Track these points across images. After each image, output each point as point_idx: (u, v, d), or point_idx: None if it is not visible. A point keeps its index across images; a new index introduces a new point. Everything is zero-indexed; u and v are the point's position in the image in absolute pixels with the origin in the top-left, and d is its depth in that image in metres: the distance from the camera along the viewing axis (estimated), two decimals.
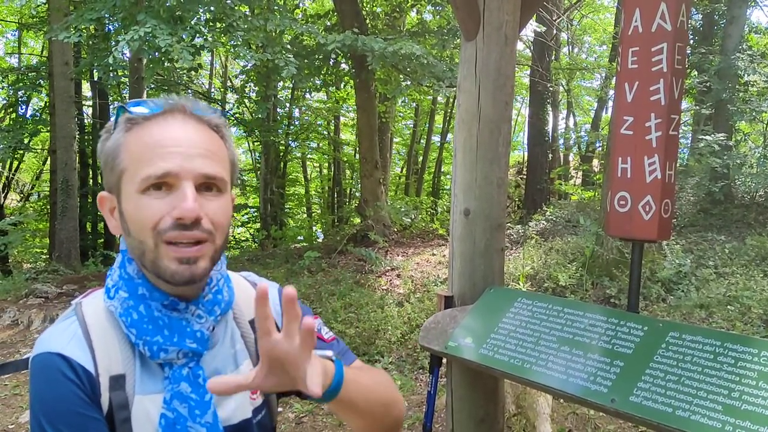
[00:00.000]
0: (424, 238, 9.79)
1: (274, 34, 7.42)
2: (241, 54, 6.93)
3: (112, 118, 1.04)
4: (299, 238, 13.65)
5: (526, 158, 15.23)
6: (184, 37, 5.85)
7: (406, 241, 9.54)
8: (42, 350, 0.96)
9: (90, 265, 11.09)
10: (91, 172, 18.39)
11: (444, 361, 2.63)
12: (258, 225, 18.68)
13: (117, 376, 0.98)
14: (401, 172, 22.91)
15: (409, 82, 9.85)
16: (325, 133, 19.89)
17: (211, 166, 0.99)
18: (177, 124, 1.00)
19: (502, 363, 2.17)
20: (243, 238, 22.33)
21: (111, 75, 9.37)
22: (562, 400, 4.34)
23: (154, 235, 0.96)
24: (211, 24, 6.85)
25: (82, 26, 6.62)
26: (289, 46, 8.13)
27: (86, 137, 17.10)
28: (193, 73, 22.22)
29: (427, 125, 19.98)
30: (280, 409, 4.42)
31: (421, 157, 20.66)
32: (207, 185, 0.99)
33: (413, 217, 10.68)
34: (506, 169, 2.65)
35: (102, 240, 15.80)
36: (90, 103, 18.47)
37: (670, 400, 1.72)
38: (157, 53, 6.25)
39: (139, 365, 1.01)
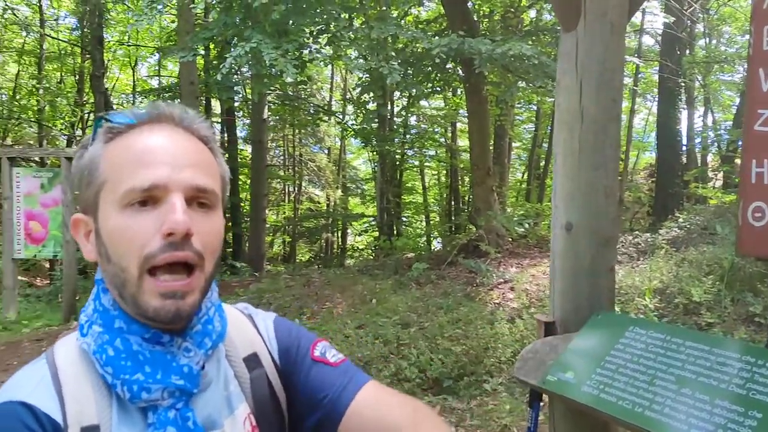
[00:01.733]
0: (542, 247, 9.28)
1: (378, 42, 7.35)
2: (345, 63, 6.90)
3: (93, 130, 0.90)
4: (409, 249, 13.51)
5: (656, 160, 14.22)
6: (289, 50, 5.90)
7: (522, 251, 9.10)
8: (4, 399, 0.82)
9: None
10: None
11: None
12: (376, 233, 18.85)
13: (89, 427, 0.83)
14: (522, 177, 22.25)
15: (523, 84, 9.45)
16: (442, 140, 19.71)
17: (203, 178, 0.86)
18: (164, 134, 0.87)
19: (608, 404, 1.85)
20: (361, 246, 22.67)
21: (231, 92, 9.71)
22: None
23: (139, 262, 0.82)
24: (315, 36, 6.90)
25: (198, 46, 6.87)
26: (394, 54, 8.03)
27: None
28: (314, 87, 22.97)
29: (549, 128, 19.24)
30: None
31: (543, 162, 19.92)
32: (198, 200, 0.85)
33: (529, 225, 10.20)
34: (615, 176, 2.30)
35: (230, 250, 16.52)
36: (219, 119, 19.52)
37: None
38: (261, 67, 6.36)
39: (117, 413, 0.85)
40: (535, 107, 17.77)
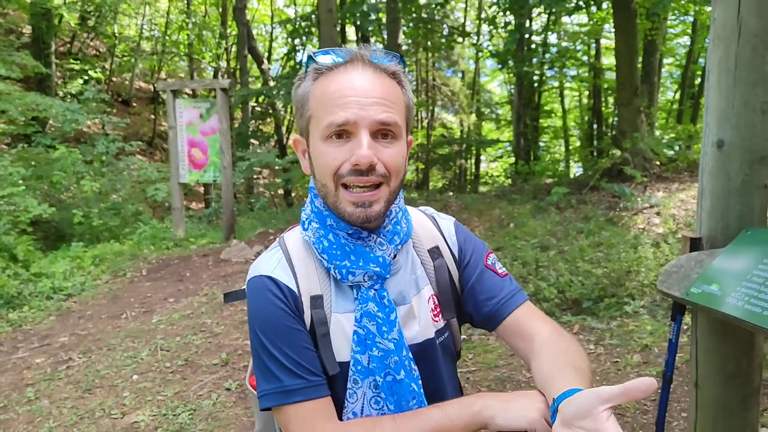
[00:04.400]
0: (693, 171, 8.81)
1: None
2: None
3: (304, 67, 1.11)
4: (548, 174, 13.19)
5: None
6: None
7: (671, 175, 8.69)
8: (255, 274, 1.12)
9: None
10: None
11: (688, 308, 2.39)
12: (512, 160, 18.61)
13: (316, 297, 1.12)
14: (674, 97, 20.68)
15: None
16: (585, 58, 18.69)
17: (386, 113, 1.05)
18: (357, 74, 1.07)
19: (754, 315, 1.90)
20: (496, 173, 22.46)
21: (368, 19, 9.86)
22: None
23: (334, 180, 1.07)
24: None
25: None
26: None
27: None
28: (448, 8, 22.51)
29: (707, 41, 17.53)
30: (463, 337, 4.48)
31: (698, 80, 18.40)
32: (383, 132, 1.07)
33: (680, 147, 9.67)
34: None
35: None
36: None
37: None
38: None
39: (334, 287, 1.14)
40: (691, 18, 16.27)
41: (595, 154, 15.93)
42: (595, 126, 19.43)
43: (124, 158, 12.34)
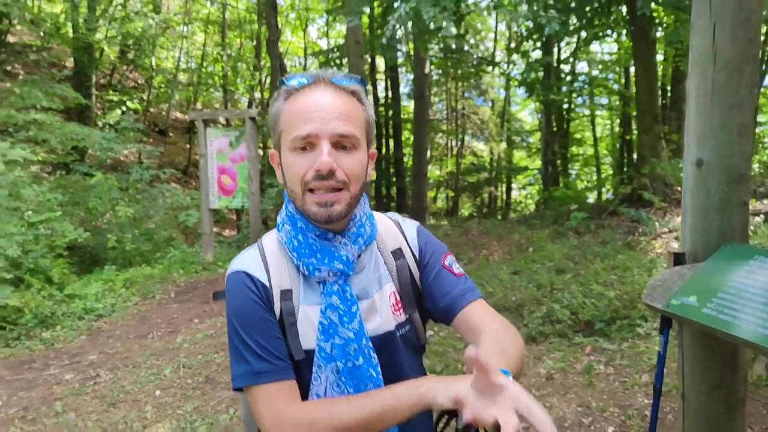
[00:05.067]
0: None
1: None
2: (503, 14, 6.96)
3: (278, 90, 1.29)
4: (570, 200, 13.16)
5: None
6: (446, 6, 6.13)
7: None
8: (233, 270, 1.29)
9: None
10: (384, 141, 20.13)
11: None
12: (539, 187, 18.61)
13: (286, 290, 1.27)
14: None
15: None
16: (616, 87, 18.66)
17: (345, 126, 1.21)
18: (319, 93, 1.23)
19: (725, 324, 2.00)
20: (525, 201, 22.39)
21: (394, 51, 10.13)
22: None
23: (301, 186, 1.22)
24: None
25: (362, 9, 7.32)
26: (552, 1, 7.91)
27: (379, 109, 18.64)
28: (477, 38, 22.79)
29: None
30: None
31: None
32: (342, 143, 1.22)
33: None
34: (751, 116, 2.35)
35: (393, 204, 17.25)
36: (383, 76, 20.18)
37: None
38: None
39: (303, 282, 1.28)
40: None
41: (627, 180, 15.84)
42: (625, 153, 19.32)
43: (158, 185, 12.75)
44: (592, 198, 17.67)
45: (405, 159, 19.61)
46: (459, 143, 25.60)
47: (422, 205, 15.06)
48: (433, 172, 25.90)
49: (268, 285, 1.26)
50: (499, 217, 18.10)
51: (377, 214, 1.44)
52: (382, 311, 1.32)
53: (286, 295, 1.26)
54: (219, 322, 6.48)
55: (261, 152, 13.57)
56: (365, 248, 1.33)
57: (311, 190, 1.22)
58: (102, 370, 5.39)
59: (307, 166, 1.20)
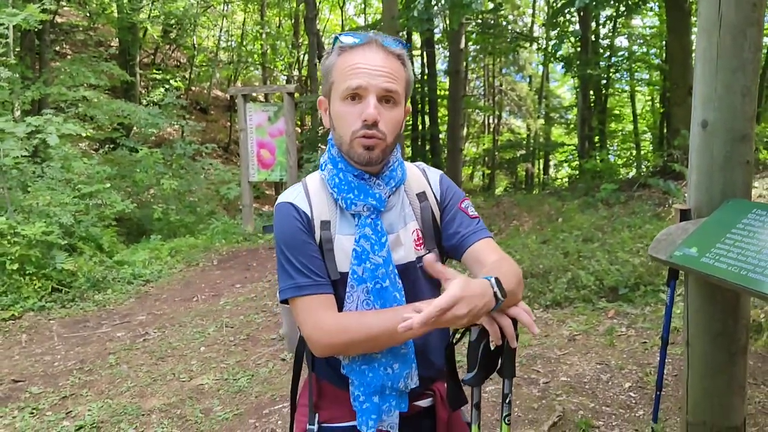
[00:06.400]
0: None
1: None
2: None
3: (332, 45, 1.52)
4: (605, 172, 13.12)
5: None
6: None
7: None
8: (281, 201, 1.52)
9: None
10: (419, 118, 20.19)
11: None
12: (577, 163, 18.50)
13: (325, 221, 1.49)
14: None
15: None
16: (658, 61, 18.33)
17: (389, 83, 1.42)
18: (370, 53, 1.43)
19: (720, 270, 2.17)
20: (557, 177, 22.24)
21: (426, 24, 10.23)
22: None
23: (350, 132, 1.43)
24: None
25: None
26: None
27: (415, 85, 18.69)
28: (515, 12, 22.58)
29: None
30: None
31: None
32: (386, 98, 1.43)
33: None
34: (754, 78, 2.48)
35: None
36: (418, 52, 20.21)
37: None
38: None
39: (339, 215, 1.50)
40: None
41: (667, 156, 15.67)
42: (665, 129, 19.01)
43: (200, 160, 13.18)
44: (631, 174, 17.51)
45: (441, 136, 19.68)
46: (496, 120, 25.50)
47: (457, 182, 15.14)
48: (470, 149, 25.89)
49: (310, 215, 1.47)
50: (536, 192, 18.09)
51: (407, 164, 1.64)
52: (405, 244, 1.53)
53: (326, 225, 1.47)
54: (259, 287, 6.81)
55: (299, 129, 13.82)
56: (395, 190, 1.54)
57: (358, 137, 1.42)
58: (150, 328, 5.77)
59: (356, 114, 1.40)
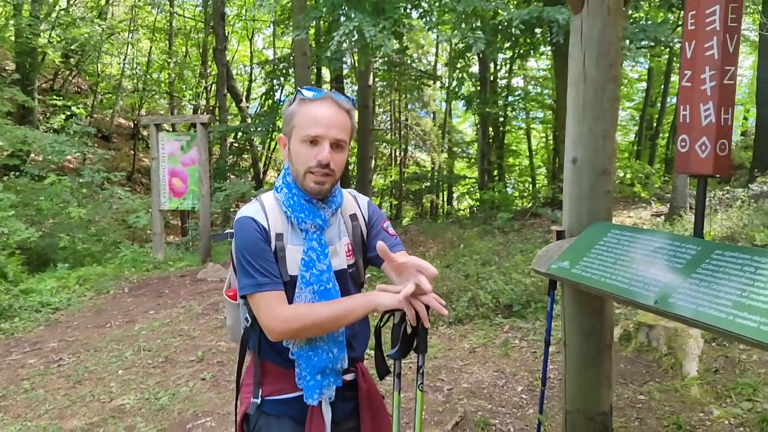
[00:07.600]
0: (629, 202, 9.77)
1: (465, 13, 8.06)
2: (436, 34, 7.66)
3: (294, 95, 1.88)
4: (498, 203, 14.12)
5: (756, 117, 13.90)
6: (385, 26, 6.80)
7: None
8: (241, 215, 1.84)
9: None
10: None
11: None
12: (477, 195, 19.55)
13: (279, 233, 1.84)
14: (634, 139, 22.03)
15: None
16: (551, 101, 19.82)
17: (341, 134, 1.81)
18: (326, 106, 1.81)
19: (584, 278, 2.68)
20: (460, 208, 23.29)
21: (339, 63, 10.74)
22: (714, 344, 4.51)
23: (305, 169, 1.81)
24: (408, 12, 7.74)
25: (309, 24, 7.92)
26: (480, 23, 8.70)
27: None
28: (419, 52, 23.60)
29: (663, 87, 18.93)
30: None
31: (655, 123, 19.74)
32: (337, 143, 1.81)
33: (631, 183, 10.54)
34: (612, 123, 3.05)
35: None
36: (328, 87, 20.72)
37: (698, 301, 2.12)
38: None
39: (291, 229, 1.86)
40: (646, 65, 17.45)
41: (559, 190, 16.91)
42: (557, 164, 20.48)
43: (108, 188, 12.98)
44: (529, 205, 18.74)
45: (350, 168, 20.21)
46: (402, 153, 26.37)
47: None
48: (378, 181, 26.58)
49: (267, 228, 1.81)
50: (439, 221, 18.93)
51: (343, 190, 2.03)
52: (340, 255, 1.91)
53: (279, 236, 1.82)
54: (174, 312, 6.92)
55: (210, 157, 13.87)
56: (335, 212, 1.92)
57: (311, 173, 1.79)
58: (64, 354, 5.78)
59: (311, 155, 1.77)
